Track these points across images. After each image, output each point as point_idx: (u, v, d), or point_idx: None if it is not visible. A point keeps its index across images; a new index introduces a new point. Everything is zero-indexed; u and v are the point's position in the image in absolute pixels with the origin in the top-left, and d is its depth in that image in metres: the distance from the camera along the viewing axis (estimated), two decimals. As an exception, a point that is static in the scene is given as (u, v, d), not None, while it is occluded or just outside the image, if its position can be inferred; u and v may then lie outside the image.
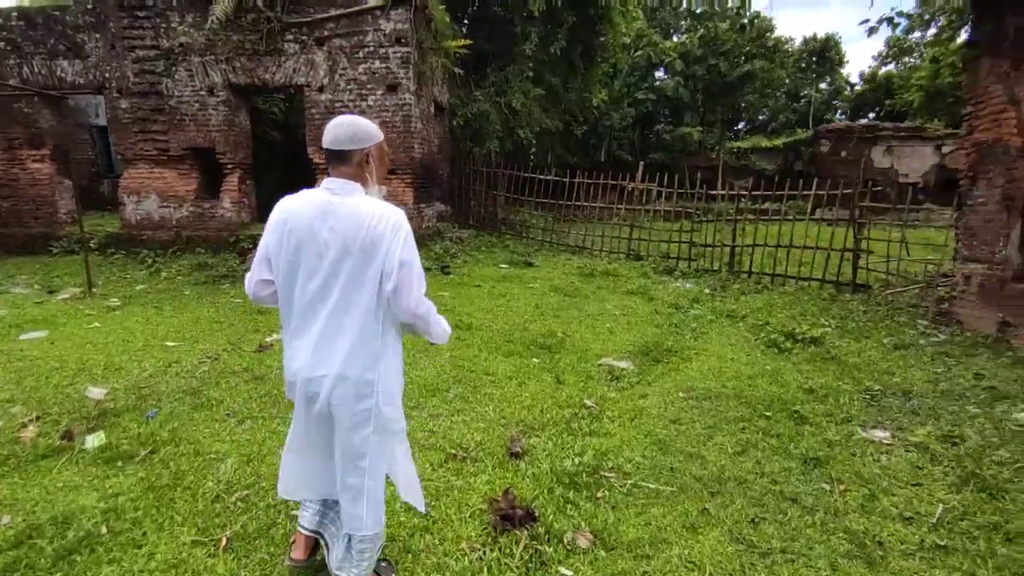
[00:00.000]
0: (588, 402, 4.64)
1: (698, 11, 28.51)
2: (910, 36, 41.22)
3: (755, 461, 3.67)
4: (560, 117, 17.60)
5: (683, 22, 30.30)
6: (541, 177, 14.57)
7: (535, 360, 5.73)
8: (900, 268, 9.19)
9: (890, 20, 7.25)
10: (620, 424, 4.25)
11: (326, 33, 11.14)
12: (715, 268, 11.18)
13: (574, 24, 15.22)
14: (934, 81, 29.25)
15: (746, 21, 27.77)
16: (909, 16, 7.44)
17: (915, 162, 24.21)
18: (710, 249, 11.55)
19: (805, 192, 10.76)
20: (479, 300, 8.45)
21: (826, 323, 7.34)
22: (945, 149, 24.13)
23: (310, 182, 11.94)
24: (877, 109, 36.12)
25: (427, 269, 10.61)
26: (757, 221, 11.02)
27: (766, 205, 12.07)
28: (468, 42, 13.01)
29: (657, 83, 27.11)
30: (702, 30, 26.74)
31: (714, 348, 6.28)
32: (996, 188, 6.65)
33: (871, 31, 7.81)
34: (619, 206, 13.86)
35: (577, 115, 19.67)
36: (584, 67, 17.34)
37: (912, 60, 39.78)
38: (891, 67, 40.29)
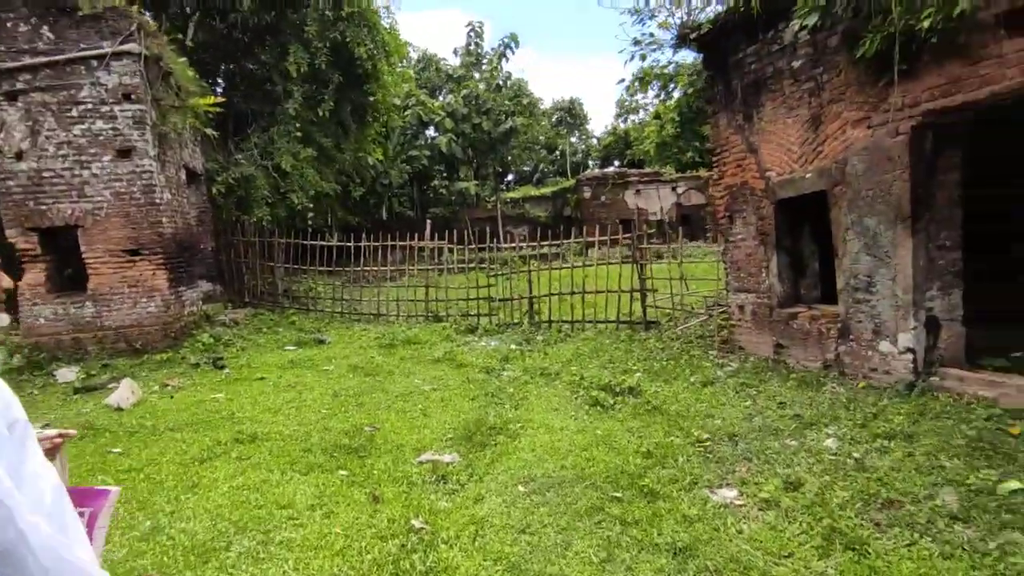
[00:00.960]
0: (416, 523, 3.77)
1: (455, 75, 30.02)
2: (635, 97, 48.67)
3: (625, 567, 3.16)
4: (336, 178, 16.61)
5: (445, 84, 31.66)
6: (323, 244, 13.37)
7: (342, 473, 4.67)
8: (683, 302, 10.00)
9: (642, 79, 7.89)
10: (460, 548, 3.45)
11: (19, 86, 8.84)
12: (516, 321, 11.11)
13: (341, 83, 14.54)
14: (661, 134, 34.55)
15: (500, 82, 29.90)
16: (659, 77, 8.27)
17: (659, 202, 27.92)
18: (508, 302, 11.48)
19: (590, 239, 11.31)
20: (264, 398, 7.04)
21: (635, 367, 7.46)
22: (679, 190, 28.32)
23: (15, 272, 9.24)
24: (621, 158, 41.41)
25: (195, 365, 8.75)
26: (549, 269, 11.27)
27: (545, 250, 12.49)
28: (221, 100, 11.50)
29: (430, 140, 27.67)
30: (464, 91, 28.09)
31: (539, 417, 5.86)
32: (751, 225, 7.44)
33: (627, 89, 8.41)
34: (411, 266, 13.26)
35: (354, 175, 18.85)
36: (356, 126, 16.68)
37: (638, 118, 46.90)
38: (630, 122, 46.94)
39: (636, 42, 7.84)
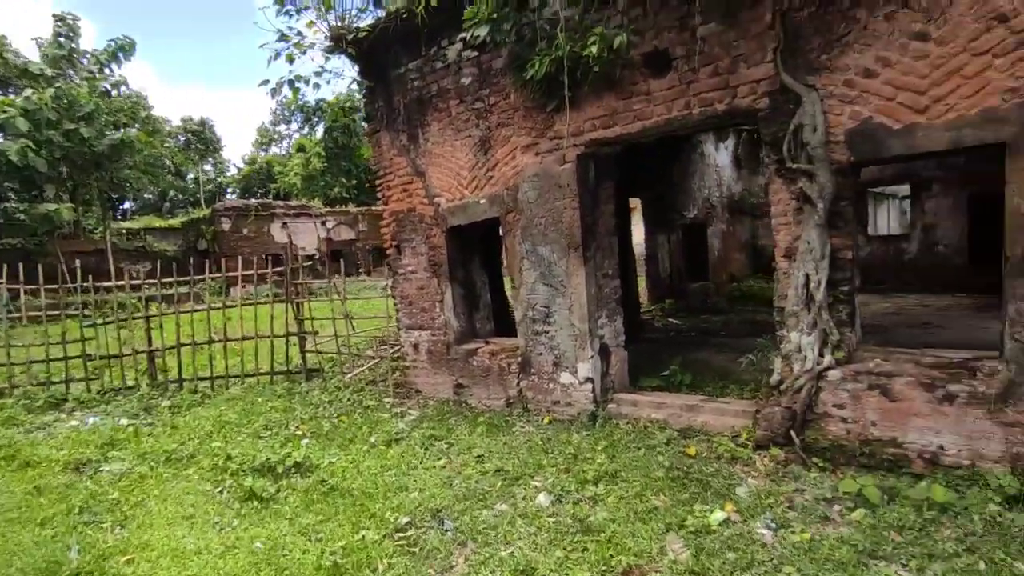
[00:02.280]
0: None
1: (35, 70, 23.03)
2: (276, 127, 45.91)
3: None
4: None
5: (19, 79, 23.94)
6: None
7: None
8: (348, 344, 8.75)
9: (291, 83, 6.56)
10: None
11: None
12: (131, 384, 8.21)
13: None
14: (307, 168, 32.98)
15: (108, 86, 24.17)
16: (307, 80, 7.00)
17: (308, 236, 26.22)
18: (118, 360, 8.44)
19: (232, 275, 9.16)
20: None
21: (301, 431, 5.93)
22: (329, 224, 27.16)
23: None
24: (264, 189, 38.12)
25: None
26: (178, 312, 8.68)
27: (172, 289, 9.81)
28: None
29: (-7, 145, 20.26)
30: (52, 89, 21.58)
31: (161, 537, 3.91)
32: (422, 256, 6.77)
33: (273, 91, 6.95)
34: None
35: None
36: None
37: (280, 149, 44.30)
38: (272, 152, 43.73)
39: (282, 37, 6.50)
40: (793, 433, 4.28)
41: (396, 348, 7.77)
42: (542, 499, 3.97)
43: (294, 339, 8.46)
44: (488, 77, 5.79)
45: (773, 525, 3.41)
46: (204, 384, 8.19)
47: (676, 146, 11.00)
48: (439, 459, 4.91)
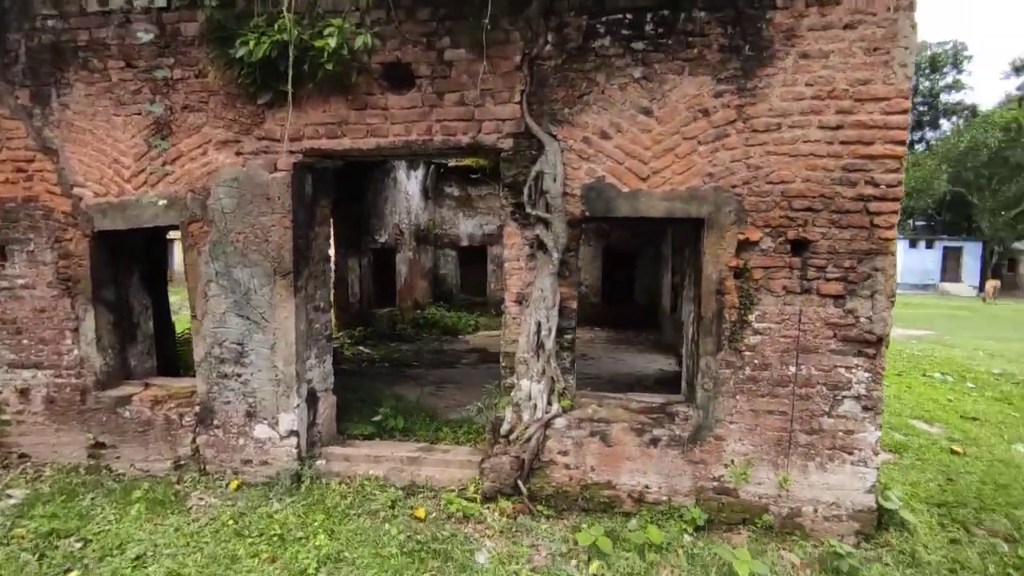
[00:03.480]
0: None
1: None
2: None
3: None
4: None
5: None
6: None
7: None
8: None
9: None
10: None
11: None
12: None
13: None
14: None
15: None
16: None
17: None
18: None
19: None
20: None
21: None
22: None
23: None
24: None
25: None
26: None
27: None
28: None
29: None
30: None
31: None
32: (46, 265, 4.80)
33: None
34: None
35: None
36: None
37: None
38: None
39: None
40: (520, 483, 4.22)
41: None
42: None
43: None
44: (174, 43, 4.42)
45: (520, 600, 3.20)
46: None
47: (372, 166, 10.61)
48: (66, 572, 3.38)
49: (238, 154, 4.44)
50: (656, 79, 3.93)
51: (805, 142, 3.80)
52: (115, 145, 4.60)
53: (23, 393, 4.93)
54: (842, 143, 3.76)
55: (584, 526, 3.96)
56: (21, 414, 4.96)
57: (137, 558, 3.47)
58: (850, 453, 3.92)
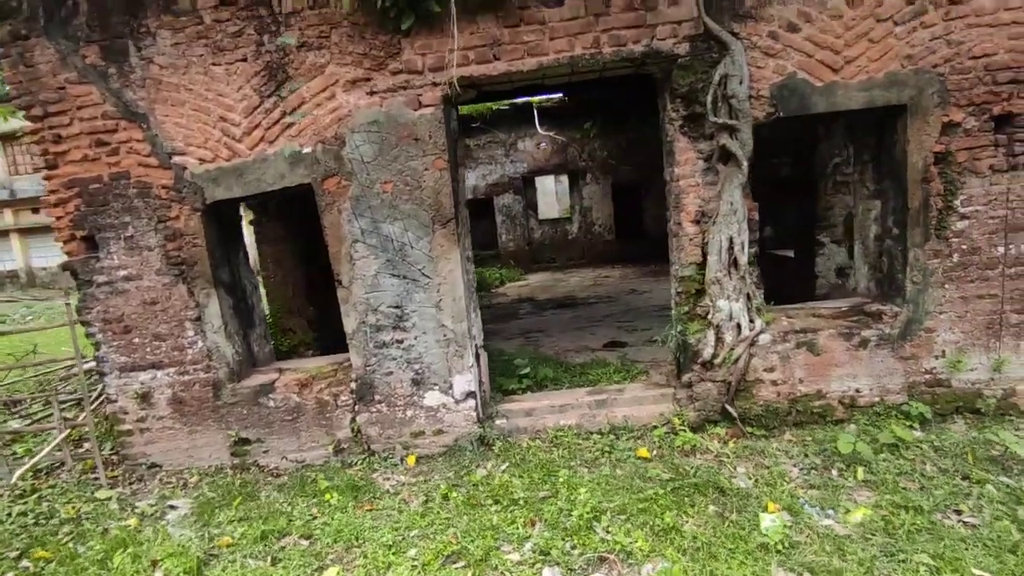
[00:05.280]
0: None
1: None
2: None
3: None
4: None
5: None
6: None
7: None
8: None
9: None
10: None
11: None
12: None
13: None
14: None
15: None
16: None
17: None
18: None
19: None
20: None
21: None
22: None
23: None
24: None
25: None
26: None
27: None
28: None
29: None
30: None
31: None
32: (150, 251, 4.18)
33: None
34: None
35: None
36: None
37: None
38: None
39: None
40: (729, 407, 4.04)
41: (97, 405, 4.73)
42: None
43: None
44: (280, -33, 3.80)
45: (832, 512, 3.05)
46: None
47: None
48: (320, 572, 2.98)
49: (372, 93, 3.91)
50: (845, -42, 3.65)
51: (1007, 9, 3.64)
52: (219, 100, 3.98)
53: (143, 398, 4.34)
54: (1045, 7, 3.61)
55: (807, 439, 3.84)
56: (143, 421, 4.38)
57: (391, 546, 3.11)
58: (1060, 326, 3.92)
